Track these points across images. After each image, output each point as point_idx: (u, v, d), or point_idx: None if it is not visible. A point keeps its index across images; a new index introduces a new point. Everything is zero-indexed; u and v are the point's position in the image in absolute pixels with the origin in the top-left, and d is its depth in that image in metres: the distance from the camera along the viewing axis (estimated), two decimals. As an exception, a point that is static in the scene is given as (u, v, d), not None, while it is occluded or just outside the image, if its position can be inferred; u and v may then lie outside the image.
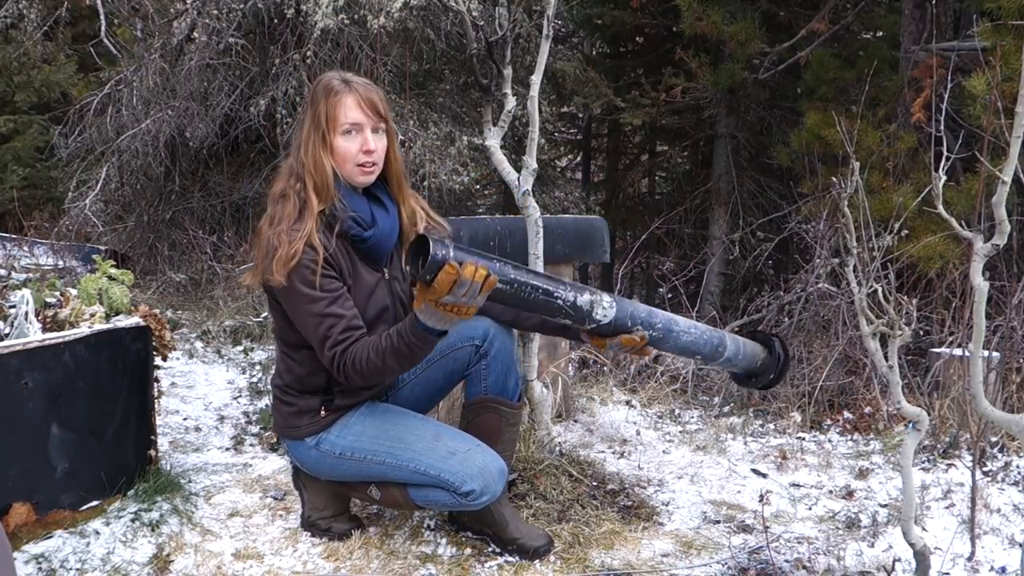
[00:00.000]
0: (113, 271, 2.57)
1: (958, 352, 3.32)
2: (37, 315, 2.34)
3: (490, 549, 2.20)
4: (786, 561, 2.21)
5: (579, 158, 10.44)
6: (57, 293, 2.49)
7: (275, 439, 2.96)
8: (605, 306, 1.89)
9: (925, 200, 2.43)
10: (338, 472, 2.12)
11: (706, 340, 2.07)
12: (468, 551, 2.21)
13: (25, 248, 6.90)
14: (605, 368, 4.08)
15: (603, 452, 3.06)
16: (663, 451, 3.12)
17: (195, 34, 6.49)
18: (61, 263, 6.51)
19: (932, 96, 4.42)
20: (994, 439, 2.94)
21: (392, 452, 2.04)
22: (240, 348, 4.50)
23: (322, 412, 2.09)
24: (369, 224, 2.05)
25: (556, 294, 1.82)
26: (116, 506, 2.29)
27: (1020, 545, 2.27)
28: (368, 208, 2.07)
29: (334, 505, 2.28)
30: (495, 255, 1.78)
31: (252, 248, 2.12)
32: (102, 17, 6.89)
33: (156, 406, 2.49)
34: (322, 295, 1.93)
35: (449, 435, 2.08)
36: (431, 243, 1.66)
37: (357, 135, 2.00)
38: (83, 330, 2.25)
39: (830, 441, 3.27)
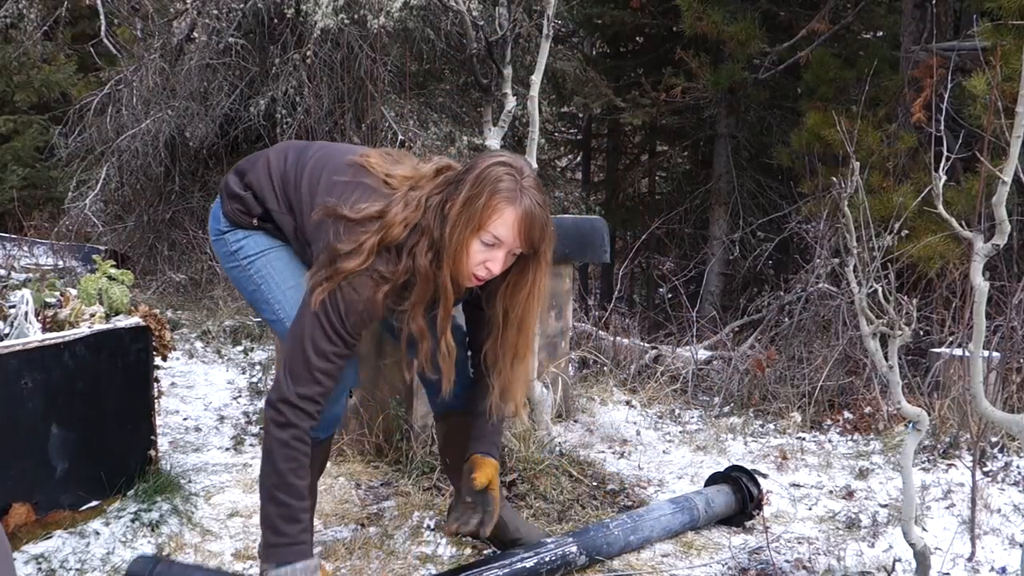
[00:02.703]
0: (113, 271, 2.56)
1: (958, 352, 3.31)
2: (37, 315, 2.33)
3: (490, 550, 2.20)
4: (786, 561, 2.21)
5: (579, 158, 10.44)
6: (57, 293, 2.49)
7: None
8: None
9: (925, 200, 2.43)
10: (225, 264, 2.07)
11: (680, 521, 2.31)
12: (468, 551, 2.21)
13: (25, 248, 6.91)
14: (605, 368, 4.08)
15: (603, 452, 3.06)
16: (663, 451, 3.12)
17: (195, 34, 6.48)
18: (61, 263, 6.51)
19: (932, 96, 4.42)
20: (994, 439, 2.94)
21: (268, 280, 1.99)
22: (240, 348, 4.50)
23: (254, 221, 1.99)
24: None
25: None
26: (116, 506, 2.29)
27: (1020, 545, 2.27)
28: None
29: None
30: None
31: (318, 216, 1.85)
32: (102, 17, 6.90)
33: (156, 406, 2.48)
34: (339, 346, 1.78)
35: None
36: None
37: (493, 249, 1.78)
38: (83, 330, 2.25)
39: (830, 441, 3.27)
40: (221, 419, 3.32)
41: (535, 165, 2.74)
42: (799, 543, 2.34)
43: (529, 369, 1.95)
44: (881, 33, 6.69)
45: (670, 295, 7.54)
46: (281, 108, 6.19)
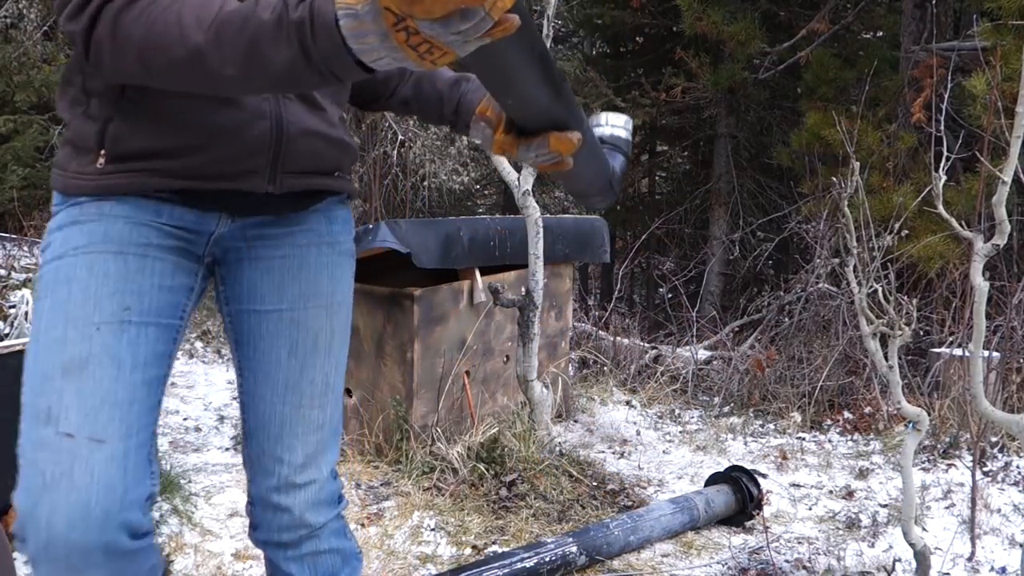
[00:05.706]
0: (113, 271, 2.56)
1: (958, 352, 3.32)
2: (37, 315, 2.33)
3: (490, 550, 2.20)
4: (786, 561, 2.21)
5: (579, 158, 10.43)
6: (57, 293, 2.49)
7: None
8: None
9: (925, 200, 2.43)
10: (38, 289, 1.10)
11: (680, 521, 2.32)
12: (468, 551, 2.21)
13: (25, 248, 6.90)
14: (605, 368, 4.08)
15: (603, 452, 3.06)
16: (663, 451, 3.12)
17: (195, 34, 6.48)
18: (61, 263, 6.50)
19: (932, 96, 4.42)
20: (994, 439, 2.94)
21: (39, 334, 1.04)
22: (240, 348, 4.51)
23: (100, 161, 1.07)
24: None
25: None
26: (116, 506, 2.29)
27: (1020, 545, 2.27)
28: None
29: None
30: None
31: None
32: (102, 17, 6.89)
33: (156, 406, 2.48)
34: None
35: (92, 384, 1.00)
36: None
37: None
38: (83, 330, 2.25)
39: (830, 441, 3.27)
40: (221, 419, 3.32)
41: (535, 165, 2.74)
42: (799, 543, 2.34)
43: None
44: (881, 33, 6.69)
45: (670, 295, 7.54)
46: (281, 108, 6.17)
